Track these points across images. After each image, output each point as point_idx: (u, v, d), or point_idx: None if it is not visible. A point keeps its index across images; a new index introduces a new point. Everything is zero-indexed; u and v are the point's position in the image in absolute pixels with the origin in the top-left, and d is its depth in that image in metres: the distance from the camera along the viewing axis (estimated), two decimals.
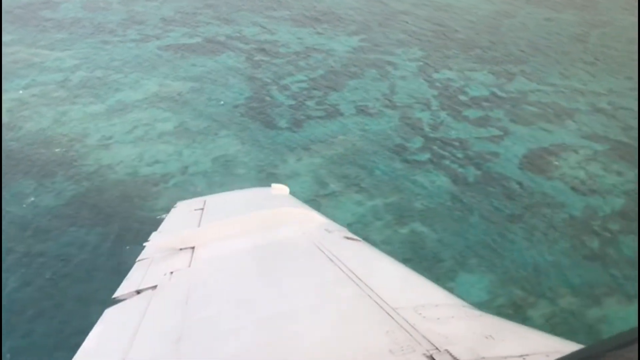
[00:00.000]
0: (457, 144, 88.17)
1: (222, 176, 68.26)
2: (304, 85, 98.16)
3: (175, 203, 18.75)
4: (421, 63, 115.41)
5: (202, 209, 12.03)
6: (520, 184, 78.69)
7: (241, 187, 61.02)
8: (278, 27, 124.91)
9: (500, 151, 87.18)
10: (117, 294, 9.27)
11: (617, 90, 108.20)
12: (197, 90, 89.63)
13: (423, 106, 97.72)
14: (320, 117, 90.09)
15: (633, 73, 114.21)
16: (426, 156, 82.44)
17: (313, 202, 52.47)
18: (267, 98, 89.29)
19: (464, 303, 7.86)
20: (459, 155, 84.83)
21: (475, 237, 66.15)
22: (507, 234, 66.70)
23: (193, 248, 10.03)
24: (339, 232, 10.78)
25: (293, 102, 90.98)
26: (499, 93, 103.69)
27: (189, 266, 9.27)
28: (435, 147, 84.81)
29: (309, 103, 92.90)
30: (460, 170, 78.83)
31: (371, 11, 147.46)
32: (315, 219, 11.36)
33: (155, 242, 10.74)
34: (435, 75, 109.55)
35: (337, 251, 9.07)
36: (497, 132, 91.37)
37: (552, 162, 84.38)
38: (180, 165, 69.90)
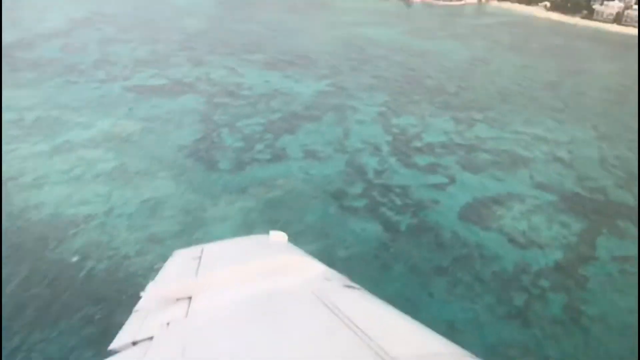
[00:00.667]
0: (398, 190, 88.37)
1: (146, 218, 68.94)
2: (258, 128, 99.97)
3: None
4: (384, 108, 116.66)
5: (200, 257, 11.06)
6: (455, 233, 78.09)
7: (161, 231, 61.08)
8: (248, 70, 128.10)
9: (442, 199, 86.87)
10: (113, 345, 8.35)
11: (581, 138, 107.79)
12: (148, 131, 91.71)
13: (374, 151, 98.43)
14: (266, 160, 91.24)
15: (600, 121, 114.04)
16: (364, 202, 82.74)
17: None
18: (216, 140, 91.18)
19: (465, 352, 7.40)
20: (398, 202, 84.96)
21: (394, 289, 65.21)
22: (429, 286, 65.55)
23: (190, 298, 9.08)
24: (338, 280, 9.88)
25: (242, 145, 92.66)
26: (456, 139, 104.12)
27: (186, 317, 8.46)
28: (375, 194, 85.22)
29: (259, 146, 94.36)
30: (395, 217, 78.80)
31: (347, 56, 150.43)
32: (314, 267, 10.35)
33: (151, 293, 9.73)
34: (395, 121, 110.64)
35: (337, 300, 8.35)
36: (443, 180, 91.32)
37: (495, 212, 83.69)
38: (106, 207, 70.92)
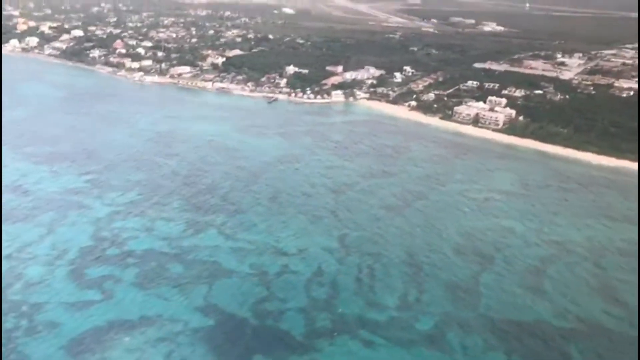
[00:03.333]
0: (26, 308, 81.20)
1: None
2: None
3: None
4: (122, 208, 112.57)
5: None
6: None
7: None
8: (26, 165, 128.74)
9: (66, 321, 79.40)
10: None
11: (318, 243, 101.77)
12: None
13: (53, 260, 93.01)
14: None
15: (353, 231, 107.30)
16: None
17: None
18: None
19: None
20: (9, 325, 77.42)
21: None
22: None
23: None
24: None
25: None
26: (165, 247, 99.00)
27: None
28: None
29: None
30: None
31: (147, 150, 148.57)
32: None
33: None
34: (118, 223, 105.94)
35: None
36: (96, 297, 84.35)
37: (113, 344, 75.29)
38: None
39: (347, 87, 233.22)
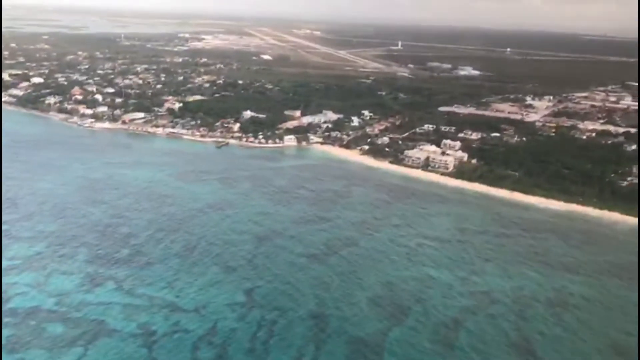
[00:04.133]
0: None
1: None
2: None
3: None
4: (19, 262, 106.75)
5: None
6: None
7: None
8: None
9: None
10: None
11: (222, 298, 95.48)
12: None
13: None
14: None
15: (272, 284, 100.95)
16: None
17: None
18: None
19: None
20: None
21: None
22: None
23: None
24: None
25: None
26: (52, 305, 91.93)
27: None
28: None
29: None
30: None
31: (70, 199, 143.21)
32: None
33: None
34: (7, 279, 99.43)
35: None
36: None
37: None
38: None
39: (302, 132, 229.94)
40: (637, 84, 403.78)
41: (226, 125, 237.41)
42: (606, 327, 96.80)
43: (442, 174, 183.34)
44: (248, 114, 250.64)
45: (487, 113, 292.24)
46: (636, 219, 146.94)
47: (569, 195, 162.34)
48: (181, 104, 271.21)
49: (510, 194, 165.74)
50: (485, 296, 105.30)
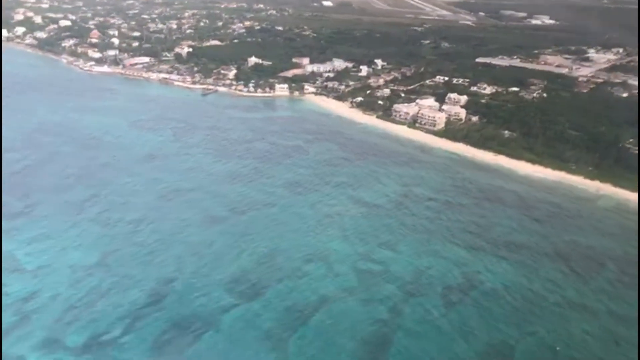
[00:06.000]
0: None
1: None
2: None
3: None
4: None
5: None
6: None
7: None
8: None
9: None
10: None
11: (75, 258, 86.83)
12: None
13: None
14: None
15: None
16: None
17: None
18: None
19: None
20: None
21: None
22: None
23: None
24: None
25: None
26: None
27: None
28: None
29: None
30: None
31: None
32: None
33: None
34: None
35: None
36: None
37: None
38: None
39: (301, 81, 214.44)
40: None
41: (223, 72, 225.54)
42: (499, 331, 77.71)
43: (427, 131, 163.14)
44: (252, 60, 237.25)
45: (528, 65, 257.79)
46: (629, 193, 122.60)
47: (561, 162, 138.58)
48: (190, 49, 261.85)
49: (494, 158, 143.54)
50: (369, 279, 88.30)
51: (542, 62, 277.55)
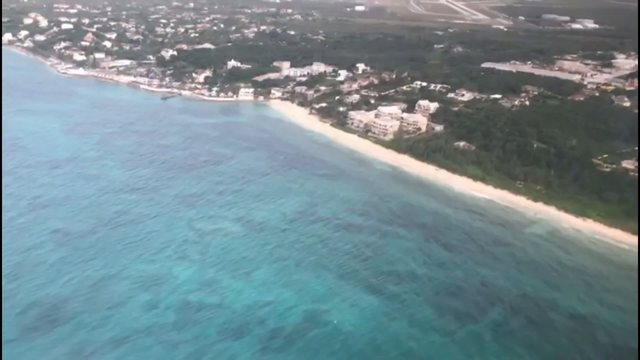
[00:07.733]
0: None
1: None
2: None
3: None
4: None
5: None
6: None
7: None
8: None
9: None
10: None
11: None
12: None
13: None
14: None
15: None
16: None
17: None
18: None
19: None
20: None
21: None
22: None
23: None
24: None
25: None
26: None
27: None
28: None
29: None
30: None
31: None
32: None
33: None
34: None
35: None
36: None
37: None
38: None
39: (273, 85, 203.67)
40: None
41: (195, 75, 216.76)
42: None
43: (376, 141, 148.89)
44: (231, 63, 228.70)
45: (536, 71, 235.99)
46: (572, 218, 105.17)
47: (509, 178, 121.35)
48: (175, 53, 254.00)
49: (434, 172, 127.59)
50: (190, 315, 74.46)
51: (556, 68, 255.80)
